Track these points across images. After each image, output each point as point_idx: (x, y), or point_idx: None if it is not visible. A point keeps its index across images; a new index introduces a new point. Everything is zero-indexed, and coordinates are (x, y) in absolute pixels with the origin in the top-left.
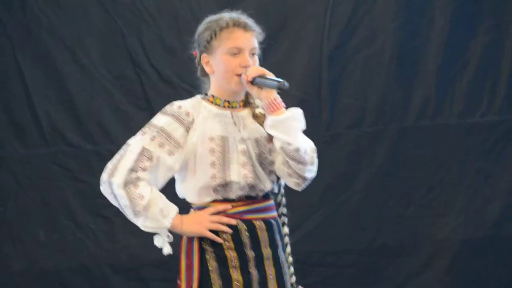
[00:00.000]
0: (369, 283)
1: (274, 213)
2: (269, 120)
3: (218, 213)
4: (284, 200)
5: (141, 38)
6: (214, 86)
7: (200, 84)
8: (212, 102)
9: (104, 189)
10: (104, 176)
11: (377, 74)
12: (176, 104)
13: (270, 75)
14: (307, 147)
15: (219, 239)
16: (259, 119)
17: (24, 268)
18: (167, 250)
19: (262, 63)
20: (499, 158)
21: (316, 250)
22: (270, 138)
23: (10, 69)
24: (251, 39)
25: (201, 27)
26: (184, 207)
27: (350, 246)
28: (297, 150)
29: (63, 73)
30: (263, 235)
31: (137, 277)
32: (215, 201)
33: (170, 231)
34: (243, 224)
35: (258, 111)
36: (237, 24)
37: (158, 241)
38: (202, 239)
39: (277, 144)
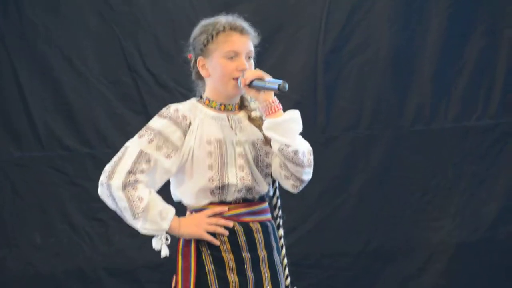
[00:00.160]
0: (365, 286)
1: (269, 216)
2: (267, 122)
3: (215, 215)
4: (279, 202)
5: (137, 43)
6: (209, 89)
7: (195, 87)
8: (207, 105)
9: (102, 191)
10: (102, 179)
11: (373, 78)
12: (173, 107)
13: (268, 78)
14: (305, 149)
15: (216, 241)
16: (255, 122)
17: (20, 272)
18: (164, 252)
19: (257, 66)
20: (495, 161)
21: (312, 253)
22: (266, 140)
23: (7, 74)
24: (247, 42)
25: (196, 31)
26: (179, 209)
27: (345, 249)
28: (296, 152)
29: (59, 78)
30: (259, 237)
31: (133, 280)
32: (211, 203)
33: (167, 233)
34: (240, 226)
35: (253, 114)
36: (233, 28)
37: (156, 244)
38: (199, 241)
39: (275, 146)
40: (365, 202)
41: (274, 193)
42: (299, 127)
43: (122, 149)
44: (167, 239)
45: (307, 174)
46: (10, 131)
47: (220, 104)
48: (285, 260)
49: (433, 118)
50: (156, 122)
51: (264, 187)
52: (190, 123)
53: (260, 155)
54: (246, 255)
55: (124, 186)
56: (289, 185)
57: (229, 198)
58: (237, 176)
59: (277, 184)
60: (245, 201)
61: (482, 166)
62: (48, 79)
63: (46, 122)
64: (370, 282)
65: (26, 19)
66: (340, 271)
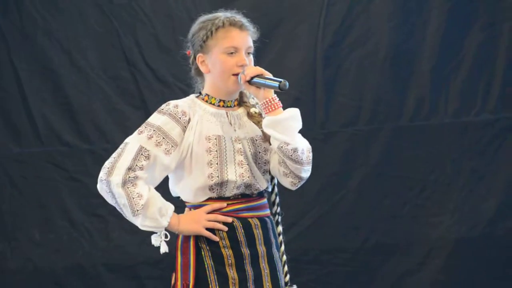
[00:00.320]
0: (363, 282)
1: (268, 211)
2: (267, 120)
3: (214, 211)
4: (278, 198)
5: (136, 38)
6: (209, 86)
7: (194, 83)
8: (207, 101)
9: (101, 187)
10: (102, 175)
11: (372, 73)
12: (173, 103)
13: (268, 75)
14: (304, 147)
15: (215, 237)
16: (254, 118)
17: (19, 267)
18: (163, 249)
19: (257, 62)
20: (494, 157)
21: (311, 249)
22: (265, 137)
23: (5, 69)
24: (246, 38)
25: (195, 27)
26: (178, 205)
27: (344, 244)
28: (295, 150)
29: (58, 73)
30: (258, 233)
31: (132, 276)
32: (210, 199)
33: (167, 230)
34: (239, 222)
35: (252, 110)
36: (233, 24)
37: (155, 240)
38: (198, 238)
39: (274, 143)
40: (364, 198)
41: (273, 189)
42: (299, 125)
43: (122, 146)
44: (166, 236)
45: (306, 172)
46: (9, 127)
47: (220, 100)
48: (284, 257)
49: (432, 113)
50: (155, 119)
51: (262, 184)
52: (189, 119)
53: (259, 152)
54: (245, 250)
55: (124, 183)
56: (288, 182)
57: (228, 194)
58: (236, 173)
59: (275, 181)
60: (244, 197)
61: (481, 162)
62: (47, 74)
63: (45, 118)
64: (369, 278)
65: (25, 13)
66: (339, 267)
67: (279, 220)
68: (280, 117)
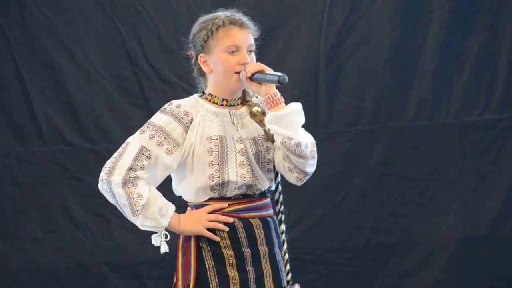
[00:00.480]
0: (366, 281)
1: (270, 211)
2: (269, 115)
3: (215, 211)
4: (281, 197)
5: (139, 37)
6: (212, 85)
7: (197, 82)
8: (210, 101)
9: (102, 187)
10: (103, 175)
11: (374, 73)
12: (175, 103)
13: (269, 70)
14: (308, 141)
15: (216, 238)
16: (256, 117)
17: (21, 267)
18: (164, 248)
19: (259, 61)
20: (497, 156)
21: (314, 248)
22: (267, 136)
23: (8, 68)
24: (247, 36)
25: (196, 27)
26: (180, 205)
27: (347, 244)
28: (298, 144)
29: (61, 72)
30: (259, 233)
31: (134, 275)
32: (211, 199)
33: (167, 230)
34: (240, 222)
35: (255, 109)
36: (233, 22)
37: (155, 240)
38: (199, 238)
39: (277, 139)
40: (366, 198)
41: (277, 188)
42: (302, 119)
43: (123, 145)
44: (166, 236)
45: (311, 166)
46: (12, 126)
47: (223, 100)
48: (286, 256)
49: (434, 113)
50: (157, 118)
51: (265, 184)
52: (192, 119)
53: (261, 152)
54: (247, 251)
55: (124, 183)
56: (293, 178)
57: (229, 194)
58: (237, 173)
59: (279, 179)
60: (246, 197)
61: (484, 162)
62: (49, 74)
63: (48, 117)
64: (371, 278)
65: (27, 13)
66: (341, 266)
67: (282, 218)
68: (282, 112)
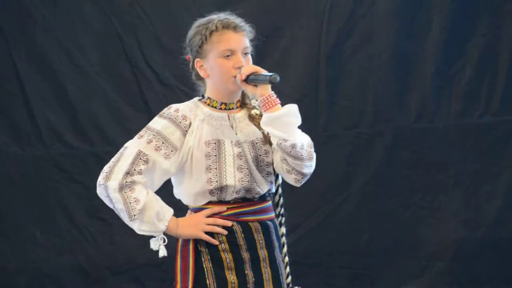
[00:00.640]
0: (366, 284)
1: (271, 215)
2: (265, 117)
3: (213, 215)
4: (281, 200)
5: (138, 39)
6: (210, 89)
7: (197, 85)
8: (208, 105)
9: (100, 192)
10: (100, 180)
11: (375, 75)
12: (174, 107)
13: (264, 72)
14: (304, 142)
15: (214, 241)
16: (255, 120)
17: (20, 270)
18: (162, 253)
19: (260, 63)
20: (497, 159)
21: (314, 250)
22: (266, 139)
23: (7, 69)
24: (242, 39)
25: (191, 32)
26: (181, 208)
27: (348, 247)
28: (293, 146)
29: (60, 74)
30: (259, 237)
31: (135, 278)
32: (210, 202)
33: (166, 234)
34: (239, 226)
35: (254, 112)
36: (226, 26)
37: (154, 244)
38: (197, 241)
39: (273, 141)
40: (367, 200)
41: (277, 190)
42: (297, 120)
43: (121, 150)
44: (164, 240)
45: (308, 167)
46: (11, 128)
47: (221, 103)
48: (287, 258)
49: (435, 115)
50: (156, 123)
51: (264, 187)
52: (190, 123)
53: (260, 155)
54: (245, 254)
55: (121, 188)
56: (292, 179)
57: (228, 198)
58: (236, 178)
59: (279, 182)
60: (245, 201)
61: (484, 164)
62: (48, 75)
63: (47, 120)
64: (372, 280)
65: (26, 13)
66: (342, 269)
67: (283, 221)
68: (277, 114)
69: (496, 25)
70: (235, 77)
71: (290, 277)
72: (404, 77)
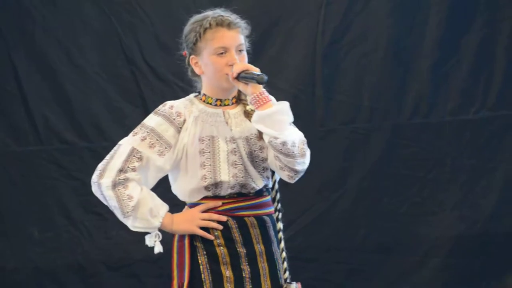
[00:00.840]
0: (363, 280)
1: (268, 210)
2: (255, 115)
3: (208, 210)
4: (278, 195)
5: (136, 36)
6: (205, 86)
7: (194, 83)
8: (204, 101)
9: (94, 190)
10: (94, 177)
11: (371, 71)
12: (169, 104)
13: (254, 70)
14: (295, 139)
15: (209, 236)
16: (250, 116)
17: (18, 266)
18: (158, 249)
19: (256, 60)
20: (493, 154)
21: (310, 247)
22: (260, 135)
23: (6, 69)
24: (236, 36)
25: (186, 28)
26: (178, 203)
27: (344, 242)
28: (284, 143)
29: (57, 71)
30: (255, 232)
31: (131, 274)
32: (205, 198)
33: (161, 230)
34: (234, 221)
35: (249, 108)
36: (220, 23)
37: (149, 240)
38: (193, 236)
39: (265, 138)
40: (363, 196)
41: (273, 186)
42: (288, 118)
43: (115, 147)
44: (158, 236)
45: (301, 164)
46: (9, 125)
47: (216, 100)
48: (284, 254)
49: (431, 111)
50: (150, 120)
51: (259, 182)
52: (184, 120)
53: (255, 151)
54: (241, 249)
55: (114, 185)
56: (285, 176)
57: (223, 193)
58: (230, 173)
59: (276, 178)
60: (240, 196)
61: (481, 159)
62: (46, 73)
63: (44, 116)
64: (368, 276)
65: (25, 11)
66: (338, 265)
67: (279, 216)
68: (268, 112)
69: (492, 20)
70: (228, 74)
71: (287, 272)
72: (400, 72)
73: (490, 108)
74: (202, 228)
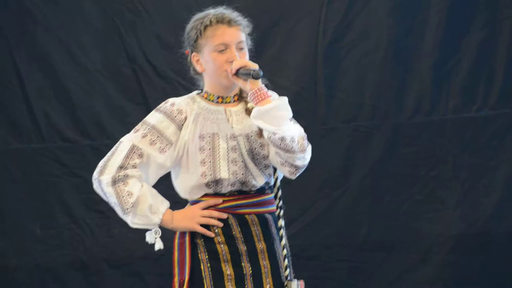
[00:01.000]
0: (364, 278)
1: (270, 208)
2: (254, 111)
3: (209, 207)
4: (280, 192)
5: (137, 34)
6: (207, 83)
7: (197, 80)
8: (206, 99)
9: (95, 186)
10: (95, 174)
11: (373, 69)
12: (170, 101)
13: (252, 66)
14: (295, 135)
15: (209, 233)
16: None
17: (19, 263)
18: (158, 245)
19: (258, 58)
20: (495, 152)
21: (312, 244)
22: (260, 132)
23: (6, 65)
24: (236, 33)
25: (188, 26)
26: (180, 201)
27: (345, 240)
28: (283, 139)
29: (59, 69)
30: (256, 229)
31: (133, 272)
32: (206, 195)
33: (163, 228)
34: (234, 218)
35: (250, 105)
36: (220, 20)
37: (149, 237)
38: (194, 234)
39: (264, 134)
40: (364, 194)
41: (275, 184)
42: (287, 113)
43: (116, 144)
44: (157, 233)
45: (301, 160)
46: (10, 123)
47: (218, 97)
48: (285, 251)
49: (432, 109)
50: (151, 117)
51: (260, 180)
52: (186, 117)
53: (255, 148)
54: (242, 247)
55: (114, 182)
56: (286, 171)
57: (224, 190)
58: (229, 170)
59: (278, 175)
60: (241, 193)
61: (482, 158)
62: (48, 71)
63: (46, 114)
64: (370, 274)
65: (26, 10)
66: (339, 263)
67: (281, 214)
68: (266, 107)
69: (493, 19)
70: (227, 71)
71: (288, 270)
72: (402, 71)
73: (491, 107)
74: (203, 226)
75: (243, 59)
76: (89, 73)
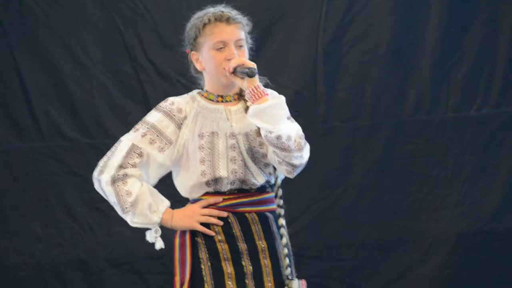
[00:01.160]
0: (365, 277)
1: (271, 206)
2: (251, 109)
3: (209, 206)
4: (280, 192)
5: (138, 33)
6: (207, 82)
7: (197, 79)
8: (206, 97)
9: (95, 186)
10: (94, 173)
11: (373, 68)
12: (170, 100)
13: (249, 64)
14: (291, 133)
15: (209, 232)
16: None
17: (20, 262)
18: (159, 245)
19: (258, 57)
20: (496, 151)
21: (312, 244)
22: (259, 131)
23: (7, 64)
24: (235, 31)
25: (188, 25)
26: (180, 199)
27: (346, 239)
28: (279, 137)
29: (60, 68)
30: (256, 228)
31: (134, 271)
32: (206, 193)
33: (162, 226)
34: (235, 217)
35: (249, 103)
36: (219, 19)
37: (149, 236)
38: (194, 232)
39: (261, 133)
40: (365, 193)
41: (275, 182)
42: (284, 112)
43: (116, 144)
44: (157, 232)
45: (298, 159)
46: (11, 121)
47: (218, 96)
48: (286, 250)
49: (433, 108)
50: (151, 116)
51: (260, 179)
52: (185, 117)
53: (254, 147)
54: (242, 245)
55: (113, 181)
56: (284, 170)
57: (223, 189)
58: (229, 169)
59: (278, 174)
60: (241, 192)
61: (483, 156)
62: (48, 69)
63: (46, 113)
64: (370, 273)
65: (27, 8)
66: (340, 262)
67: (282, 213)
68: (262, 106)
69: (494, 17)
70: (225, 69)
71: (289, 269)
72: (402, 69)
73: (492, 105)
74: (203, 224)
75: (240, 57)
76: (90, 72)
